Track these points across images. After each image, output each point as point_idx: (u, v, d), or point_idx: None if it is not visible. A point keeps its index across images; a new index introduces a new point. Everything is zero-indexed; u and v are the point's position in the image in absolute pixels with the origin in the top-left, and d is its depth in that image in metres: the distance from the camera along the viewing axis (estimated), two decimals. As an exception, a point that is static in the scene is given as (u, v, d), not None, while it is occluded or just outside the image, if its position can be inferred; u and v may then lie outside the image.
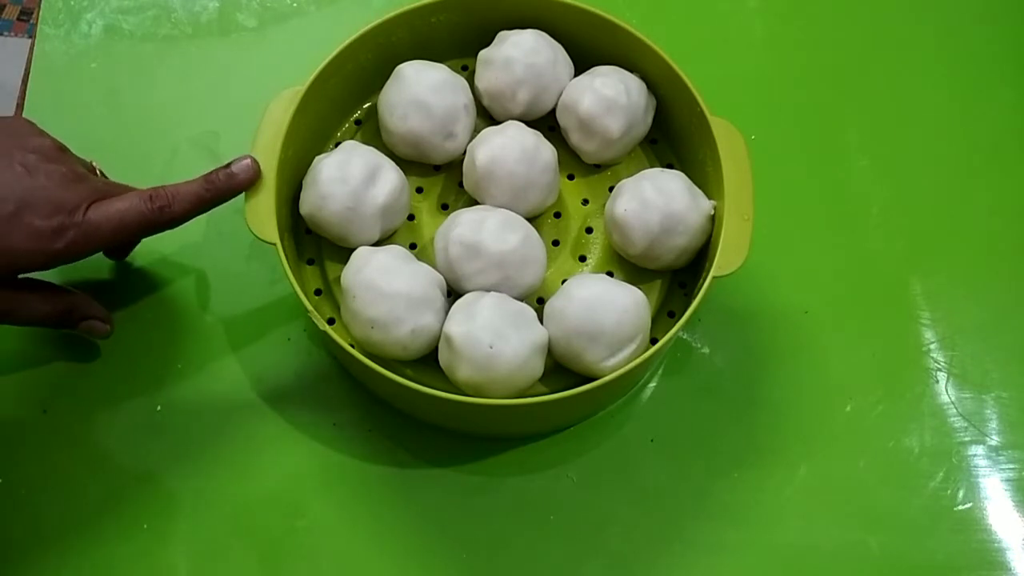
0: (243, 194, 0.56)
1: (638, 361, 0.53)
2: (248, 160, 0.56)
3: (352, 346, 0.54)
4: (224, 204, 0.66)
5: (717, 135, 0.57)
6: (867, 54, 0.77)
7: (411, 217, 0.62)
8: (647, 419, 0.62)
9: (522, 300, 0.56)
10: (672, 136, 0.64)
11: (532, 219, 0.60)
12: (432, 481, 0.60)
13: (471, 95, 0.62)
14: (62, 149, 0.55)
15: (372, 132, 0.64)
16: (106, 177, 0.59)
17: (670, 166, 0.64)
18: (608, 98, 0.60)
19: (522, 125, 0.60)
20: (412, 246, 0.61)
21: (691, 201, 0.57)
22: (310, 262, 0.61)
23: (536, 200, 0.60)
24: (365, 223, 0.58)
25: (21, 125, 0.56)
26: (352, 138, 0.64)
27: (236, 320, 0.63)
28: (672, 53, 0.60)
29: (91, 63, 0.72)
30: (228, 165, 0.56)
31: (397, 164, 0.60)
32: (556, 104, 0.63)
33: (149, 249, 0.65)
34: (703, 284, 0.55)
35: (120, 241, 0.56)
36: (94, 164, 0.58)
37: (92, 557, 0.57)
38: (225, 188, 0.56)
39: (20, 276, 0.54)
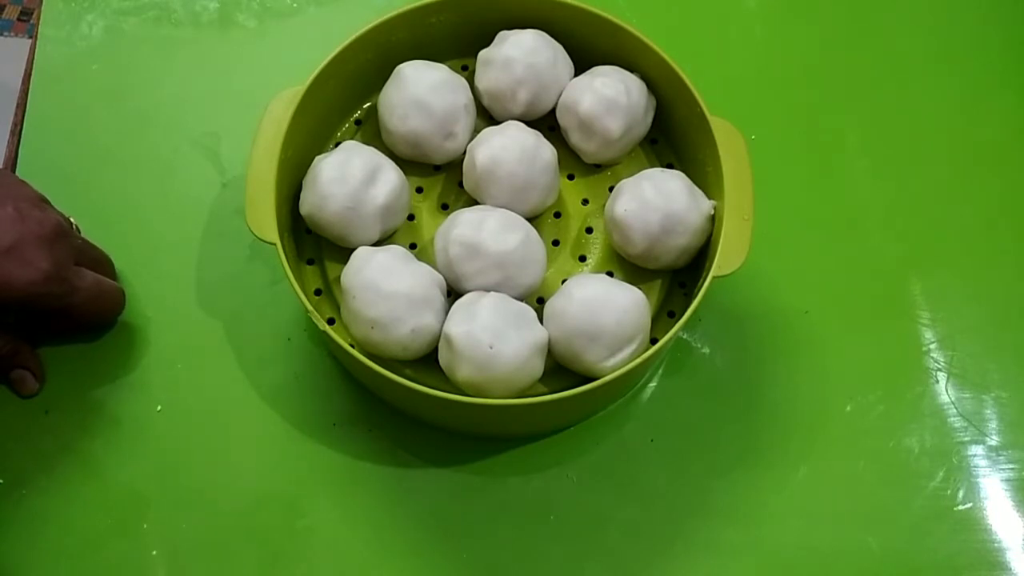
0: (244, 194, 0.56)
1: (638, 361, 0.53)
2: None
3: (352, 346, 0.54)
4: (224, 204, 0.67)
5: (717, 135, 0.57)
6: (867, 54, 0.77)
7: (411, 217, 0.62)
8: (647, 419, 0.62)
9: (522, 300, 0.56)
10: (672, 136, 0.64)
11: (532, 219, 0.59)
12: (432, 481, 0.60)
13: (471, 95, 0.62)
14: (44, 200, 0.57)
15: (372, 132, 0.64)
16: (81, 233, 0.60)
17: (670, 166, 0.64)
18: (608, 98, 0.60)
19: (522, 125, 0.60)
20: (412, 246, 0.61)
21: (691, 201, 0.57)
22: (310, 262, 0.61)
23: (536, 200, 0.60)
24: (365, 223, 0.58)
25: (7, 175, 0.58)
26: (352, 138, 0.64)
27: (236, 320, 0.63)
28: (672, 53, 0.60)
29: (92, 64, 0.72)
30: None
31: (397, 164, 0.60)
32: (556, 104, 0.63)
33: (149, 250, 0.65)
34: (703, 284, 0.55)
35: (83, 311, 0.58)
36: (71, 220, 0.59)
37: (92, 557, 0.57)
38: None
39: None
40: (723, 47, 0.76)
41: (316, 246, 0.61)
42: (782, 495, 0.60)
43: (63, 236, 0.55)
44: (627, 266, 0.61)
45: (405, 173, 0.60)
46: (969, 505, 0.60)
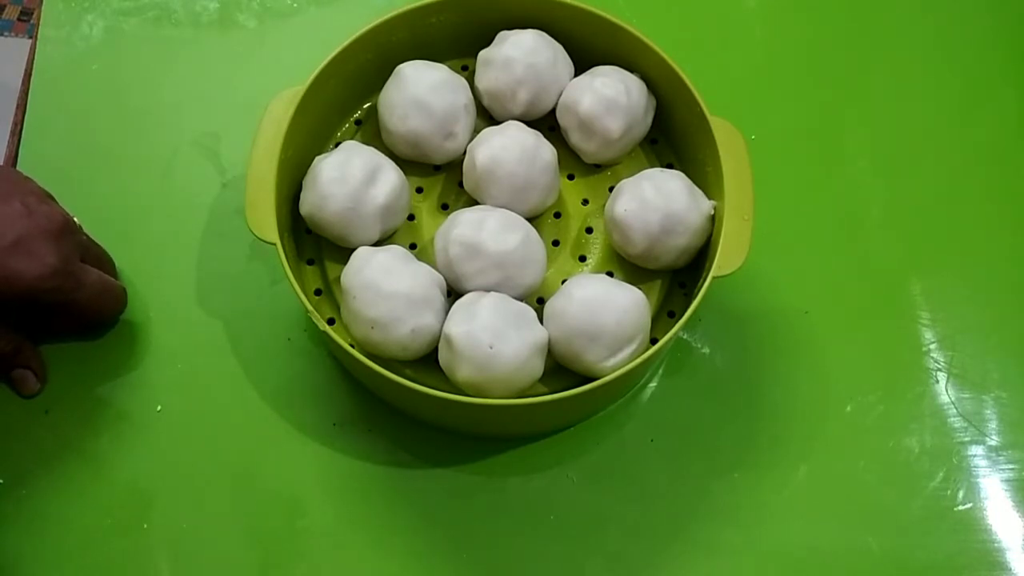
0: (244, 194, 0.56)
1: (638, 361, 0.53)
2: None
3: (352, 346, 0.54)
4: (224, 204, 0.67)
5: (717, 135, 0.57)
6: (867, 54, 0.77)
7: (411, 217, 0.62)
8: (647, 419, 0.62)
9: (522, 300, 0.56)
10: (672, 136, 0.64)
11: (532, 219, 0.60)
12: (432, 481, 0.60)
13: (471, 95, 0.62)
14: (50, 196, 0.57)
15: (372, 132, 0.64)
16: (84, 231, 0.60)
17: (670, 166, 0.64)
18: (608, 98, 0.60)
19: (522, 125, 0.60)
20: (412, 246, 0.61)
21: (691, 201, 0.57)
22: (310, 262, 0.61)
23: (536, 200, 0.60)
24: (365, 223, 0.58)
25: (13, 171, 0.58)
26: (352, 138, 0.64)
27: (236, 320, 0.63)
28: (672, 53, 0.60)
29: (92, 64, 0.72)
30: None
31: (397, 164, 0.60)
32: (556, 104, 0.63)
33: (149, 249, 0.65)
34: (703, 284, 0.55)
35: (87, 307, 0.58)
36: (75, 219, 0.59)
37: (92, 557, 0.57)
38: None
39: None
40: (723, 47, 0.76)
41: (316, 246, 0.61)
42: (782, 495, 0.60)
43: (69, 232, 0.55)
44: (627, 266, 0.61)
45: (405, 173, 0.60)
46: (969, 505, 0.60)
